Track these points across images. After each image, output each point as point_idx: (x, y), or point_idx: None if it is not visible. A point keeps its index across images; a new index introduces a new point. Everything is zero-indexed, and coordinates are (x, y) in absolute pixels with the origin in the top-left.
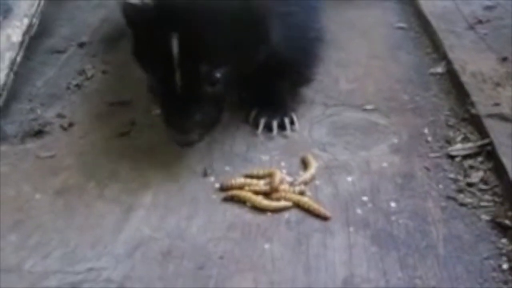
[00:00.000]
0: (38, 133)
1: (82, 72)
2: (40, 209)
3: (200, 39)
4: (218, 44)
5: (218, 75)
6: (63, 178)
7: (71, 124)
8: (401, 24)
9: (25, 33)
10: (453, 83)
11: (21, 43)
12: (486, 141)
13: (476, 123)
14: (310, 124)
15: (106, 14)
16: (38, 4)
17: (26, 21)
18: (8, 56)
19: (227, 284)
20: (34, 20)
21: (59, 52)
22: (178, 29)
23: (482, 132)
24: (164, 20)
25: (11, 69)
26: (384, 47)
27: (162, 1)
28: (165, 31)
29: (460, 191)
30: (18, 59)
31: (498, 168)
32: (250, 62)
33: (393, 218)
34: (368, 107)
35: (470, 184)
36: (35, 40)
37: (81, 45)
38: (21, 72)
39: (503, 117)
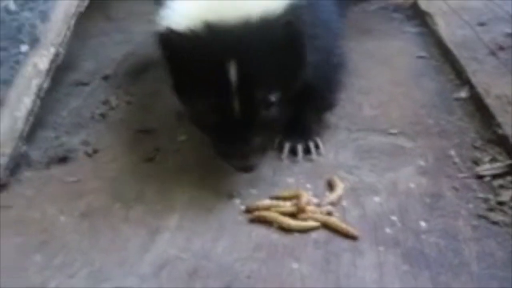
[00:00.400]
0: (63, 159)
1: (106, 102)
2: (64, 230)
3: (255, 64)
4: (271, 68)
5: (272, 99)
6: (88, 201)
7: (95, 151)
8: (422, 54)
9: (52, 62)
10: (477, 106)
11: (48, 71)
12: None
13: (503, 144)
14: (335, 148)
15: (129, 49)
16: (65, 34)
17: (52, 50)
18: (35, 83)
19: None
20: (61, 49)
21: (84, 84)
22: (234, 55)
23: (511, 152)
24: (218, 47)
25: (37, 95)
26: (406, 75)
27: (213, 29)
28: (221, 58)
29: (491, 209)
30: (45, 86)
31: None
32: (294, 86)
33: (423, 237)
34: (393, 131)
35: (501, 203)
36: (60, 73)
37: (105, 78)
38: (46, 102)
39: None
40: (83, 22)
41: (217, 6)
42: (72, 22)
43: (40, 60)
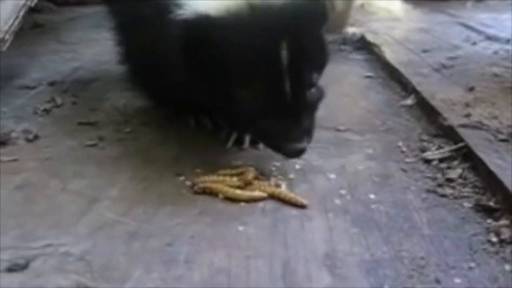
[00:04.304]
0: (2, 143)
1: (51, 100)
2: None
3: (301, 45)
4: (312, 48)
5: (314, 80)
6: (25, 176)
7: (36, 137)
8: (369, 74)
9: None
10: (424, 110)
11: None
12: (461, 144)
13: (449, 135)
14: None
15: (77, 65)
16: (13, 23)
17: None
18: None
19: (198, 259)
20: (7, 36)
21: (29, 88)
22: (284, 36)
23: (457, 140)
24: (268, 29)
25: None
26: (354, 90)
27: (258, 10)
28: (272, 40)
29: (440, 185)
30: None
31: (476, 165)
32: (324, 68)
33: (373, 206)
34: (341, 128)
35: (449, 180)
36: (5, 80)
37: (52, 83)
38: None
39: (476, 126)
40: (35, 44)
41: None
42: (21, 13)
43: None
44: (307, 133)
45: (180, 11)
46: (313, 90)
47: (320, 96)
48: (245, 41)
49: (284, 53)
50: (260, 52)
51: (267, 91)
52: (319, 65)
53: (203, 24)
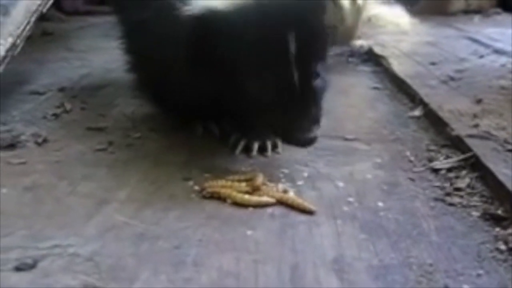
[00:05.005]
0: (11, 146)
1: (60, 106)
2: (5, 200)
3: (308, 35)
4: (317, 40)
5: (320, 67)
6: (34, 178)
7: (45, 140)
8: (376, 85)
9: (8, 50)
10: (432, 121)
11: (4, 58)
12: (469, 154)
13: (457, 145)
14: (290, 148)
15: (86, 72)
16: (24, 28)
17: (10, 40)
18: None
19: (207, 262)
20: (18, 41)
21: (39, 93)
22: (292, 28)
23: (465, 150)
24: (275, 21)
25: None
26: (362, 100)
27: (265, 4)
28: (279, 31)
29: (448, 194)
30: (0, 71)
31: (484, 175)
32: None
33: (381, 213)
34: (349, 137)
35: (457, 189)
36: (13, 86)
37: (61, 89)
38: None
39: (484, 137)
40: (45, 51)
41: None
42: (33, 19)
43: None
44: (316, 122)
45: (188, 7)
46: (319, 80)
47: (325, 85)
48: (253, 34)
49: (291, 45)
50: (268, 44)
51: (276, 83)
52: (323, 55)
53: (211, 18)
